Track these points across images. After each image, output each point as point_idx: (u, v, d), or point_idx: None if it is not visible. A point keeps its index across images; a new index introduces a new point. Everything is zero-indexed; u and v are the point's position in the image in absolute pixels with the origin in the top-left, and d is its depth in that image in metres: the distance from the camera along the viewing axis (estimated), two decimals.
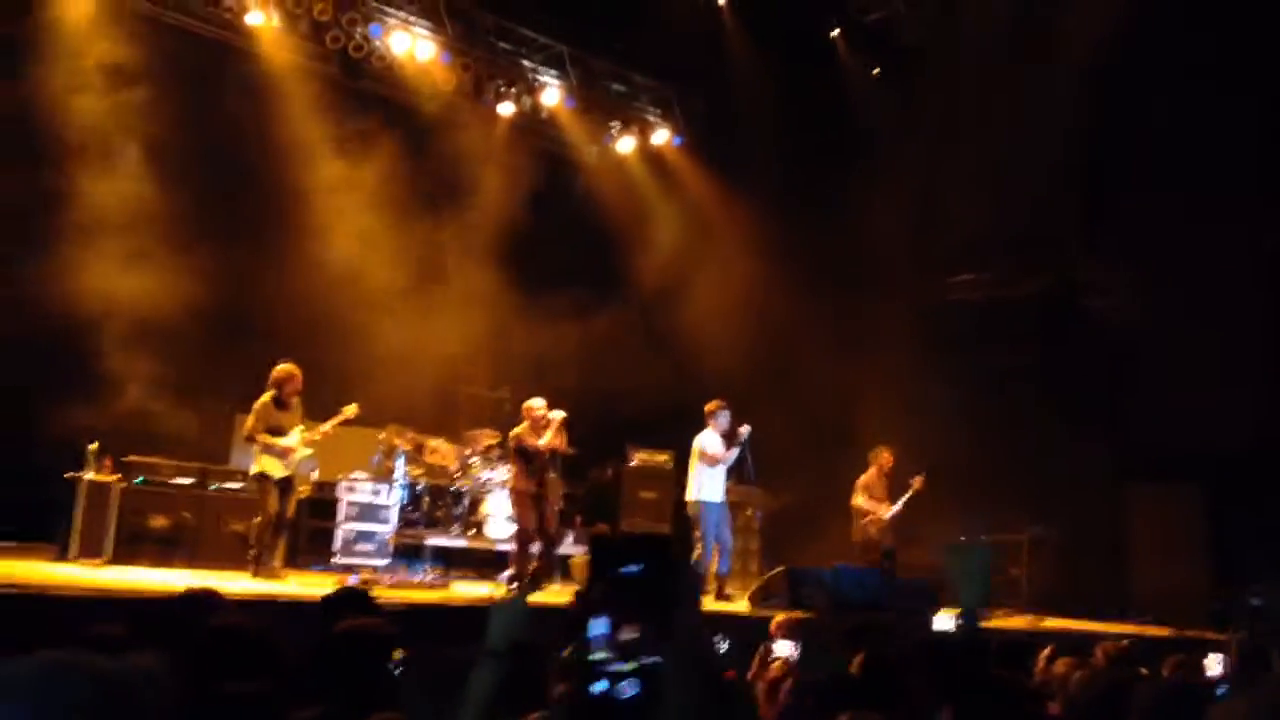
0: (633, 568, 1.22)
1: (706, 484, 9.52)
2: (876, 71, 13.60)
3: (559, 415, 9.39)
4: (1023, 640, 7.31)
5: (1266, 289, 11.07)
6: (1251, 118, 10.95)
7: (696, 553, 9.52)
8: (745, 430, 9.47)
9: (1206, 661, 5.72)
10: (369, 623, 3.58)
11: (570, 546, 11.33)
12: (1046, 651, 4.94)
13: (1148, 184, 11.69)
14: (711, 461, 9.49)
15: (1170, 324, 11.27)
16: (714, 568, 9.45)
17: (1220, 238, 10.89)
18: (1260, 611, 9.61)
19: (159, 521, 8.98)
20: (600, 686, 1.18)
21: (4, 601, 5.42)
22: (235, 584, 7.38)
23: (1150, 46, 10.77)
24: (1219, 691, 5.40)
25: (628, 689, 1.19)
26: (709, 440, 9.60)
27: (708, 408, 9.71)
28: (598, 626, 1.40)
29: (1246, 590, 10.03)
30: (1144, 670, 4.88)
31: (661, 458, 12.57)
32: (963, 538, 11.45)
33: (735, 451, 9.49)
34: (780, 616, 6.67)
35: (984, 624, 8.00)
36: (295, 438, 8.48)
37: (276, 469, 8.37)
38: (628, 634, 1.37)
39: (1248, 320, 10.85)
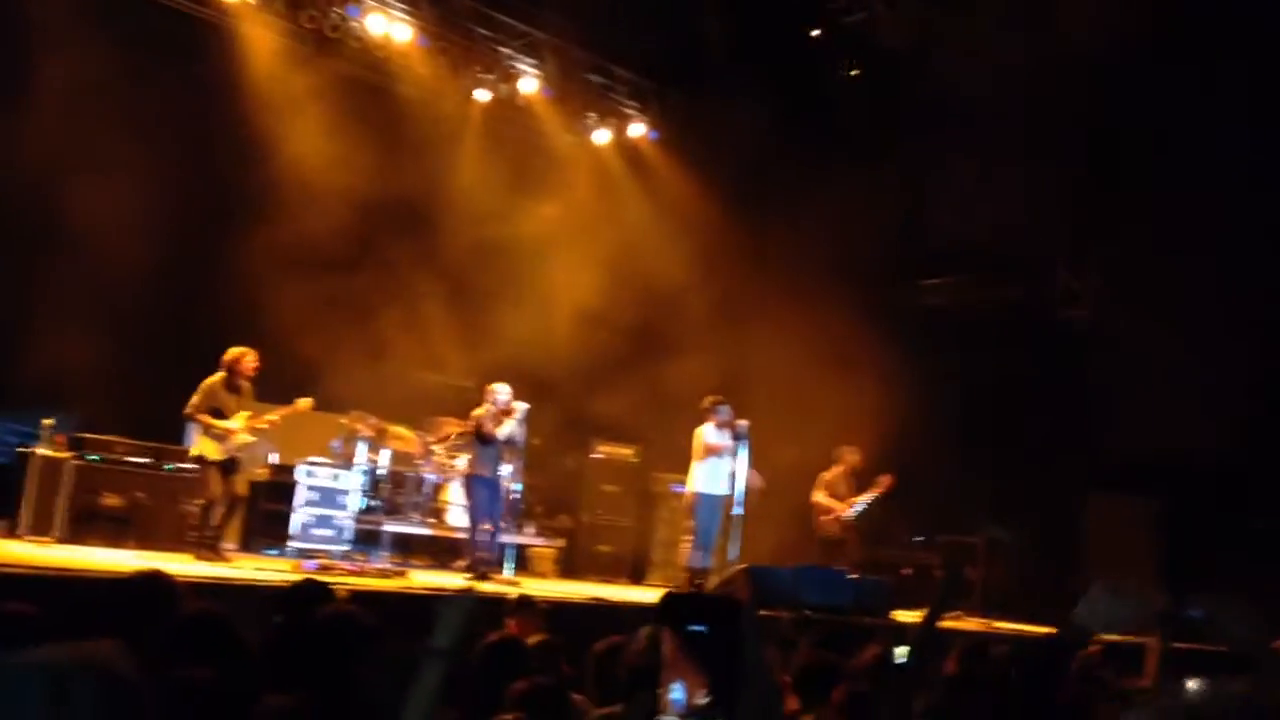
0: (700, 627, 1.28)
1: (701, 476, 9.56)
2: (854, 73, 13.55)
3: (522, 406, 9.36)
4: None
5: (1243, 313, 11.08)
6: (1246, 142, 10.92)
7: (688, 545, 9.55)
8: (744, 424, 9.48)
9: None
10: (351, 611, 3.45)
11: (530, 537, 11.26)
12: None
13: (1135, 198, 11.72)
14: (708, 452, 9.48)
15: (1144, 339, 11.29)
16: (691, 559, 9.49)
17: (1204, 256, 10.91)
18: (1200, 623, 9.63)
19: (112, 500, 8.81)
20: None
21: None
22: (185, 567, 7.26)
23: (1142, 60, 10.77)
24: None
25: None
26: (708, 432, 9.59)
27: (703, 403, 9.69)
28: (675, 690, 1.53)
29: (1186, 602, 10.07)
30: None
31: (627, 451, 12.49)
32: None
33: (734, 444, 9.46)
34: None
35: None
36: (237, 423, 8.33)
37: (214, 451, 8.23)
38: (700, 698, 1.49)
39: (1222, 341, 10.86)
